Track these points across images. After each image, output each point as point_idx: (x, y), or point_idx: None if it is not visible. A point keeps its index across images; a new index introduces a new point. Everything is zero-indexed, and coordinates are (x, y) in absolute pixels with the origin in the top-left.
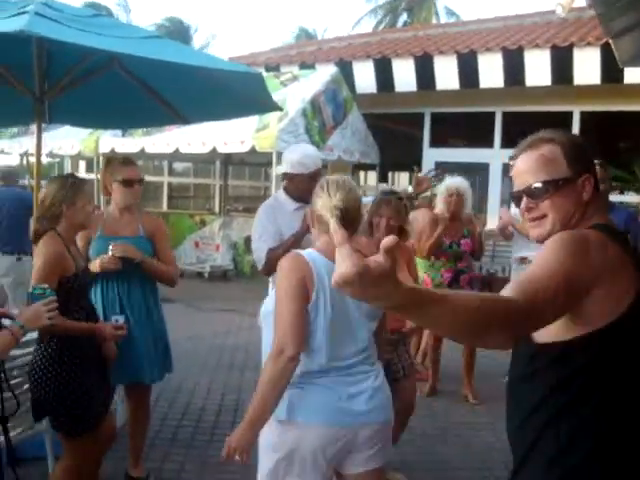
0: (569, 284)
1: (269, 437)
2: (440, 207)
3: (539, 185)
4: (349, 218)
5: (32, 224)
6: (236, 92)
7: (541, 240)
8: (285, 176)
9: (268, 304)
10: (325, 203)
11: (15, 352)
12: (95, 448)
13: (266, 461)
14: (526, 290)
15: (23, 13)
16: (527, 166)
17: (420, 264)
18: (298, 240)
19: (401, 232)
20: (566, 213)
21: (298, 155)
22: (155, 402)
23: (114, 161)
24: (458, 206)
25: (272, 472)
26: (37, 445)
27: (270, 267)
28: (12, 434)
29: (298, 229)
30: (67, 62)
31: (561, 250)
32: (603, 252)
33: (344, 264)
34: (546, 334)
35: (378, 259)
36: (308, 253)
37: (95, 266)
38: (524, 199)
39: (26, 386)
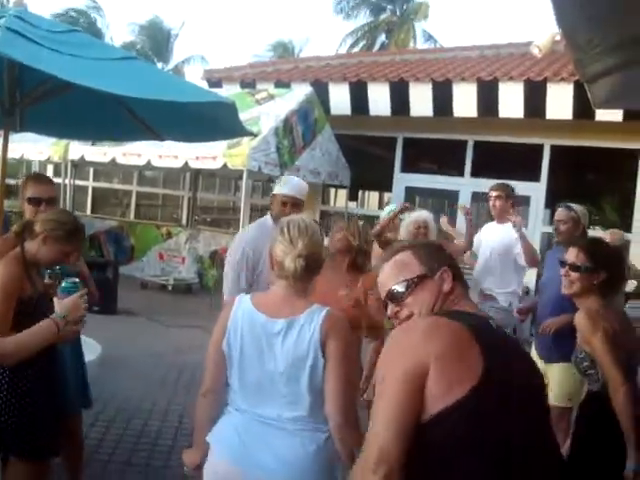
0: (405, 398)
1: None
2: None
3: (397, 287)
4: (314, 265)
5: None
6: (209, 118)
7: None
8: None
9: None
10: (287, 251)
11: None
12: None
13: None
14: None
15: None
16: (386, 275)
17: None
18: None
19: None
20: (428, 305)
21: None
22: (110, 423)
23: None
24: (424, 238)
25: None
26: None
27: None
28: None
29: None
30: (41, 73)
31: (387, 380)
32: (432, 336)
33: None
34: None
35: None
36: (242, 296)
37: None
38: (389, 306)
39: None
